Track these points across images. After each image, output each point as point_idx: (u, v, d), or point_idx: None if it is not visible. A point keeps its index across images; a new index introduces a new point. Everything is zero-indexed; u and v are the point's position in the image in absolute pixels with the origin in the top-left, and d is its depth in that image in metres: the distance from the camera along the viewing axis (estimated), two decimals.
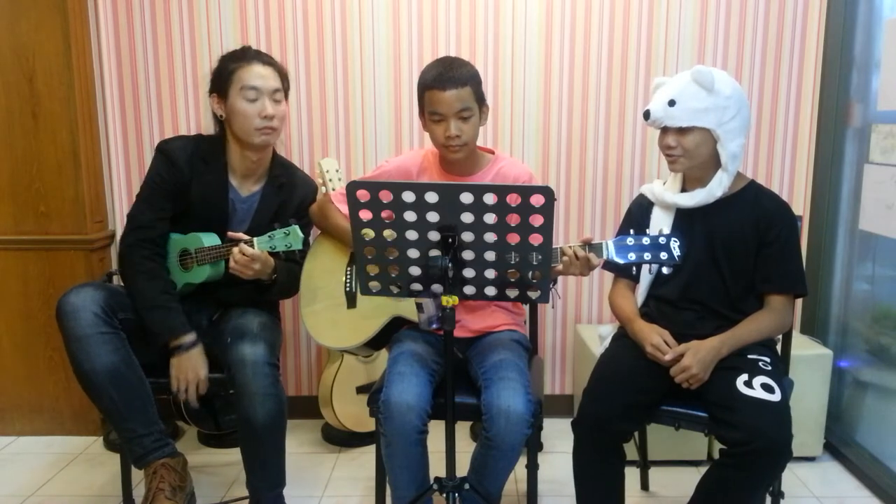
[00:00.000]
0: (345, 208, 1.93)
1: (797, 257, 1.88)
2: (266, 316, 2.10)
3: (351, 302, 2.03)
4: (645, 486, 2.36)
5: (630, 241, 1.66)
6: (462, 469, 1.78)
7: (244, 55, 2.03)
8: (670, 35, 2.66)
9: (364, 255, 1.63)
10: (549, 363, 2.91)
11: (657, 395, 1.81)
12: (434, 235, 1.56)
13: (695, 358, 1.74)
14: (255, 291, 2.11)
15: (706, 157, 1.83)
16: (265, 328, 2.02)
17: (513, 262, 1.57)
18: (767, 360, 1.79)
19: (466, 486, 1.73)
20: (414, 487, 1.83)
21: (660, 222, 1.92)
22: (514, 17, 2.66)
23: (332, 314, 2.04)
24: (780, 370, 1.87)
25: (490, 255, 1.57)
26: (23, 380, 2.73)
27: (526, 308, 2.22)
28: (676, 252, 1.63)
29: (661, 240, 1.64)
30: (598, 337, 2.11)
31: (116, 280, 2.42)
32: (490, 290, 1.63)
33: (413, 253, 1.60)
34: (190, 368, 1.96)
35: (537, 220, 1.51)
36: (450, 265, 1.55)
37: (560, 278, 2.59)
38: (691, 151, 1.81)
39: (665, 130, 1.84)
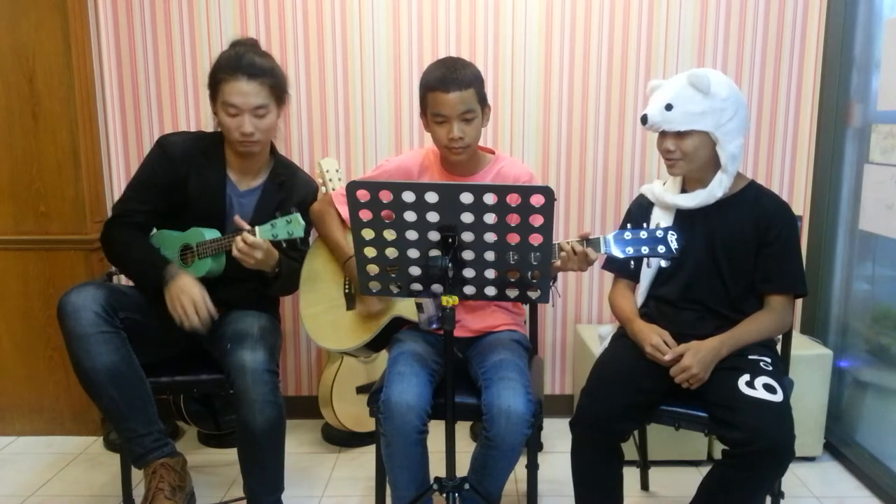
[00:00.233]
0: (344, 209, 1.93)
1: (797, 257, 1.88)
2: (266, 319, 2.09)
3: (350, 303, 2.03)
4: (645, 486, 2.36)
5: (628, 234, 1.66)
6: (462, 469, 1.78)
7: (235, 64, 1.95)
8: (670, 35, 2.66)
9: (364, 255, 1.63)
10: (549, 363, 2.91)
11: (657, 395, 1.81)
12: (434, 235, 1.56)
13: (695, 358, 1.74)
14: (254, 292, 2.12)
15: (705, 160, 1.83)
16: (265, 333, 2.02)
17: (513, 262, 1.57)
18: (768, 360, 1.79)
19: (466, 486, 1.73)
20: (414, 487, 1.83)
21: (660, 222, 1.92)
22: (514, 17, 2.66)
23: (331, 316, 2.04)
24: (781, 370, 1.87)
25: (490, 255, 1.57)
26: (23, 380, 2.73)
27: (526, 308, 2.22)
28: (674, 245, 1.63)
29: (659, 233, 1.65)
30: (598, 337, 2.11)
31: (116, 280, 2.42)
32: (490, 290, 1.63)
33: (413, 253, 1.60)
34: (182, 292, 1.92)
35: (537, 220, 1.51)
36: (450, 265, 1.55)
37: (560, 276, 2.59)
38: (690, 155, 1.81)
39: (663, 134, 1.84)
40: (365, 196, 1.54)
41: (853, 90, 2.60)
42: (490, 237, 1.54)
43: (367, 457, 2.61)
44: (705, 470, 1.75)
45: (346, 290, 2.04)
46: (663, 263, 1.89)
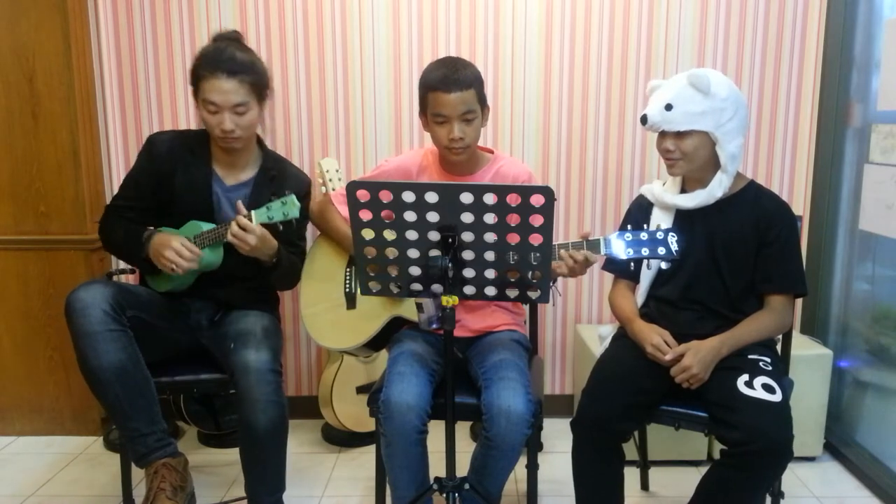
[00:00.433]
0: (345, 209, 1.93)
1: (797, 257, 1.88)
2: (268, 319, 2.10)
3: (350, 303, 2.03)
4: (645, 486, 2.36)
5: (628, 236, 1.66)
6: (462, 469, 1.78)
7: (215, 61, 1.95)
8: (670, 35, 2.66)
9: (364, 255, 1.63)
10: (549, 363, 2.91)
11: (657, 395, 1.81)
12: (434, 235, 1.56)
13: (695, 358, 1.74)
14: (254, 291, 2.12)
15: (705, 160, 1.83)
16: (268, 333, 2.02)
17: (513, 262, 1.57)
18: (768, 360, 1.79)
19: (466, 486, 1.73)
20: (414, 487, 1.83)
21: (660, 223, 1.91)
22: (514, 17, 2.66)
23: (332, 315, 2.04)
24: (781, 370, 1.87)
25: (490, 255, 1.57)
26: (23, 380, 2.73)
27: (526, 308, 2.22)
28: (674, 247, 1.63)
29: (659, 234, 1.65)
30: (598, 337, 2.11)
31: (116, 279, 2.42)
32: (490, 290, 1.63)
33: (413, 253, 1.60)
34: (161, 246, 1.95)
35: (537, 220, 1.51)
36: (450, 265, 1.55)
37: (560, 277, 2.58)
38: (690, 155, 1.81)
39: (663, 134, 1.84)
40: (365, 196, 1.55)
41: (853, 90, 2.60)
42: (490, 237, 1.54)
43: (367, 457, 2.61)
44: (705, 470, 1.75)
45: (347, 290, 2.04)
46: (663, 265, 1.89)
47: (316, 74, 2.70)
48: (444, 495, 1.72)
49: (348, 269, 2.07)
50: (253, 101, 1.99)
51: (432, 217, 1.54)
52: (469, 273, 1.60)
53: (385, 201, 1.54)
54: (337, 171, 2.52)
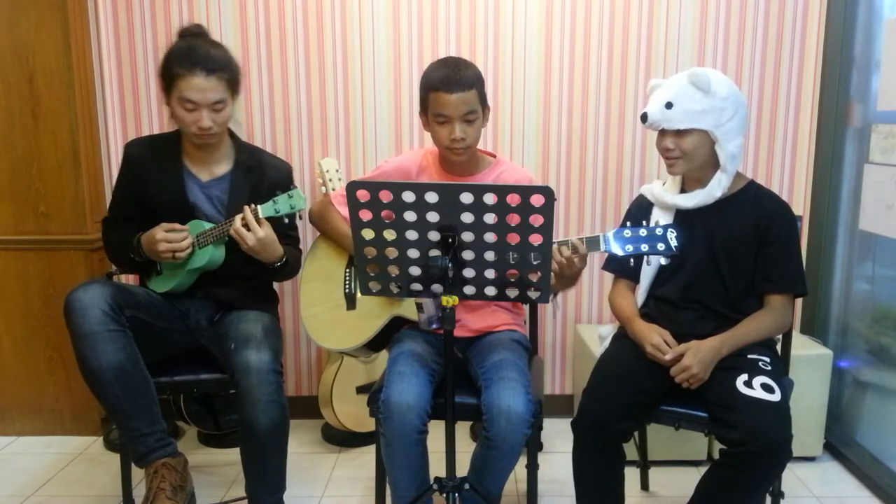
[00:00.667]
0: (345, 209, 1.93)
1: (797, 257, 1.88)
2: (268, 319, 2.10)
3: (350, 303, 2.03)
4: (645, 486, 2.36)
5: (628, 233, 1.66)
6: (462, 469, 1.78)
7: (188, 59, 1.94)
8: (670, 35, 2.66)
9: (364, 255, 1.63)
10: (549, 363, 2.91)
11: (657, 395, 1.81)
12: (434, 235, 1.56)
13: (695, 358, 1.74)
14: (254, 291, 2.13)
15: (705, 159, 1.83)
16: (269, 333, 2.02)
17: (513, 262, 1.57)
18: (767, 360, 1.79)
19: (466, 486, 1.73)
20: (414, 487, 1.83)
21: (659, 222, 1.92)
22: (514, 17, 2.66)
23: (332, 316, 2.04)
24: (780, 370, 1.87)
25: (490, 255, 1.57)
26: (23, 380, 2.73)
27: (526, 308, 2.22)
28: (674, 242, 1.63)
29: (659, 231, 1.65)
30: (598, 337, 2.11)
31: (117, 279, 2.42)
32: (490, 290, 1.63)
33: (413, 253, 1.60)
34: (153, 242, 1.98)
35: (537, 220, 1.51)
36: (450, 265, 1.55)
37: None
38: (689, 153, 1.81)
39: (663, 133, 1.84)
40: (365, 196, 1.55)
41: (853, 90, 2.60)
42: (490, 237, 1.54)
43: (367, 457, 2.61)
44: (705, 470, 1.75)
45: (347, 290, 2.04)
46: (663, 261, 1.89)
47: (316, 74, 2.70)
48: (444, 495, 1.72)
49: (348, 270, 2.06)
50: (229, 98, 2.00)
51: (432, 217, 1.54)
52: (469, 273, 1.60)
53: (385, 201, 1.54)
54: (337, 171, 2.52)
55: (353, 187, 1.54)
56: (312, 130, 2.74)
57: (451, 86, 1.83)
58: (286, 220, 1.96)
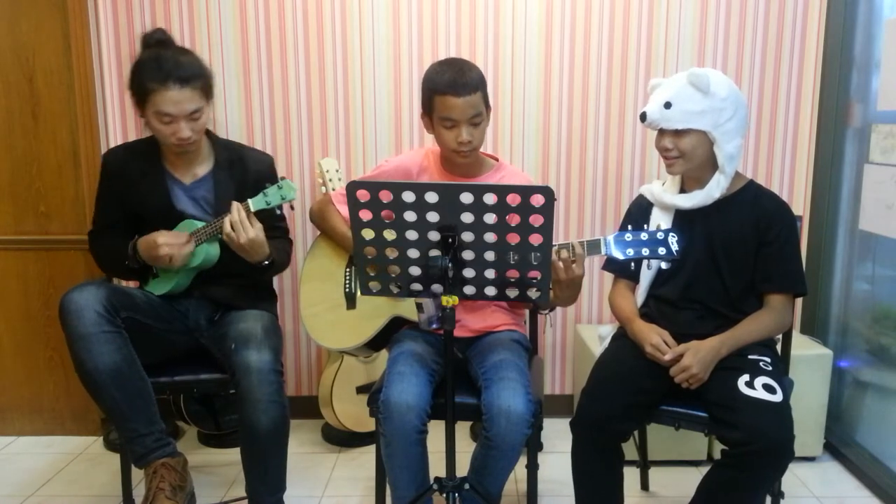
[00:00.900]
0: (345, 209, 1.93)
1: (797, 257, 1.88)
2: (267, 319, 2.10)
3: (350, 303, 2.03)
4: (645, 486, 2.36)
5: (628, 236, 1.66)
6: (462, 469, 1.78)
7: (159, 72, 1.89)
8: (670, 35, 2.66)
9: (364, 255, 1.63)
10: (549, 363, 2.91)
11: (657, 395, 1.81)
12: (434, 235, 1.56)
13: (695, 358, 1.74)
14: (251, 289, 2.14)
15: (703, 159, 1.83)
16: (269, 333, 2.02)
17: (513, 262, 1.57)
18: (768, 360, 1.79)
19: (466, 486, 1.73)
20: (414, 487, 1.83)
21: (659, 223, 1.91)
22: (514, 17, 2.66)
23: (332, 316, 2.04)
24: (781, 370, 1.87)
25: (490, 255, 1.57)
26: (23, 380, 2.73)
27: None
28: (675, 247, 1.63)
29: (660, 235, 1.65)
30: (598, 337, 2.11)
31: (115, 280, 2.42)
32: (490, 290, 1.63)
33: (413, 253, 1.60)
34: (150, 247, 1.98)
35: (537, 220, 1.51)
36: (450, 265, 1.55)
37: None
38: (688, 153, 1.81)
39: (662, 132, 1.84)
40: (365, 196, 1.55)
41: (853, 90, 2.60)
42: (490, 237, 1.54)
43: (367, 457, 2.61)
44: (705, 470, 1.75)
45: (347, 290, 2.04)
46: (663, 265, 1.89)
47: (316, 74, 2.70)
48: (444, 495, 1.72)
49: (348, 269, 2.07)
50: (205, 104, 1.99)
51: (432, 217, 1.54)
52: (469, 273, 1.60)
53: (385, 201, 1.54)
54: (337, 171, 2.52)
55: (353, 187, 1.54)
56: (312, 130, 2.74)
57: (458, 89, 1.83)
58: (278, 212, 1.96)
